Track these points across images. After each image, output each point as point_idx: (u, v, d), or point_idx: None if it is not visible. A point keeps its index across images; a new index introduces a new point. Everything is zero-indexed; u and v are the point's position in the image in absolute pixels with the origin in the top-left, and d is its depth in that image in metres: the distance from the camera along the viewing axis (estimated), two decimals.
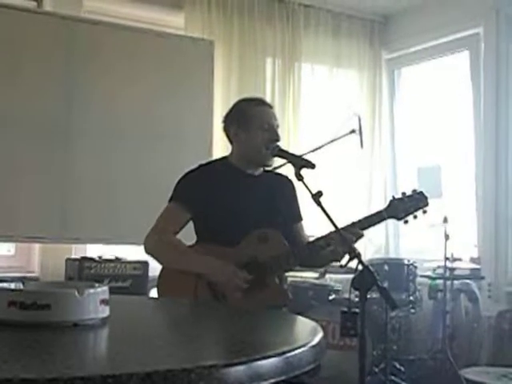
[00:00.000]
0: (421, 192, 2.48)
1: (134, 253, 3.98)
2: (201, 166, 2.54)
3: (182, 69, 4.17)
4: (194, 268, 2.32)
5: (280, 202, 2.54)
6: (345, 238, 2.17)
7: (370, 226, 2.41)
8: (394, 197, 2.47)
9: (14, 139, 3.69)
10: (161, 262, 2.44)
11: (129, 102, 3.99)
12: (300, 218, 2.64)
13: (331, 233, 2.32)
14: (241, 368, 0.97)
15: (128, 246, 4.02)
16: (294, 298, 3.91)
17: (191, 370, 0.91)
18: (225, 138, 2.64)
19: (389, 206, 2.44)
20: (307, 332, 1.34)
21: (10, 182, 3.68)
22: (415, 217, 2.45)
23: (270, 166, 2.53)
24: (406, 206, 2.43)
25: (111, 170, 3.95)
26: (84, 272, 3.71)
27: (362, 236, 2.34)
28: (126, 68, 4.01)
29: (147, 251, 2.42)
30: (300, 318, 1.55)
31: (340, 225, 2.14)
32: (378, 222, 2.44)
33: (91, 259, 3.82)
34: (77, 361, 1.03)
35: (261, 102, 2.57)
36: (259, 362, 1.00)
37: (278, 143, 2.45)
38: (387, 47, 5.29)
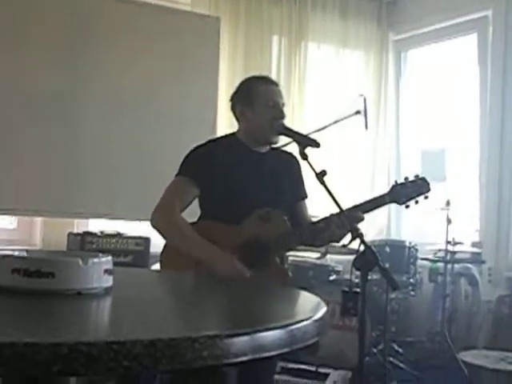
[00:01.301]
0: (423, 178, 2.49)
1: (136, 228, 3.99)
2: (209, 141, 2.53)
3: (187, 45, 4.15)
4: (196, 254, 2.31)
5: (285, 180, 2.54)
6: (344, 222, 2.19)
7: (371, 209, 2.42)
8: (396, 182, 2.49)
9: (16, 114, 3.68)
10: (165, 239, 2.44)
11: (133, 78, 3.97)
12: (304, 197, 2.64)
13: (332, 215, 2.33)
14: (244, 338, 0.97)
15: (130, 222, 4.03)
16: (295, 277, 3.91)
17: (195, 339, 0.91)
18: (229, 114, 2.63)
19: (391, 190, 2.46)
20: (311, 306, 1.35)
21: (13, 155, 3.67)
22: (416, 202, 2.47)
23: (276, 143, 2.53)
24: (407, 191, 2.45)
25: (114, 146, 3.94)
26: (86, 246, 3.71)
27: (362, 219, 2.35)
28: (131, 43, 3.98)
29: (153, 226, 2.41)
30: (304, 293, 1.55)
31: (343, 205, 2.13)
32: (380, 206, 2.45)
33: (93, 234, 3.82)
34: (81, 327, 1.03)
35: (267, 80, 2.56)
36: (263, 334, 1.00)
37: (283, 121, 2.45)
38: (395, 28, 5.25)
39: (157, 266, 2.54)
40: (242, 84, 2.58)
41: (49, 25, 3.77)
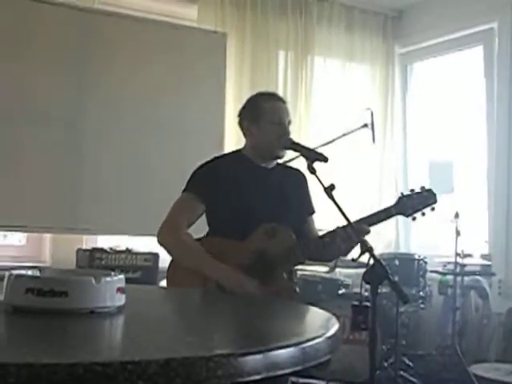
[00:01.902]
0: (429, 189, 2.48)
1: (145, 244, 3.99)
2: (216, 158, 2.55)
3: (194, 61, 4.17)
4: (205, 272, 2.31)
5: (292, 195, 2.54)
6: (349, 235, 2.19)
7: (377, 222, 2.41)
8: (402, 193, 2.48)
9: (25, 130, 3.70)
10: (172, 256, 2.45)
11: (141, 94, 3.99)
12: (311, 212, 2.64)
13: (337, 228, 2.32)
14: (258, 357, 0.97)
15: (139, 238, 4.03)
16: (303, 291, 3.92)
17: (209, 358, 0.91)
18: (236, 129, 2.66)
19: (397, 202, 2.45)
20: (323, 323, 1.35)
21: (22, 172, 3.69)
22: (423, 214, 2.46)
23: (282, 157, 2.54)
24: (414, 203, 2.44)
25: (122, 162, 3.96)
26: (95, 263, 3.72)
27: (368, 232, 2.34)
28: (138, 60, 4.01)
29: (160, 242, 2.42)
30: (315, 309, 1.55)
31: (352, 219, 2.13)
32: (386, 219, 2.45)
33: (102, 250, 3.83)
34: (95, 347, 1.03)
35: (273, 97, 2.58)
36: (276, 352, 1.00)
37: (290, 136, 2.46)
38: (400, 41, 5.26)
39: (165, 282, 2.54)
40: (249, 100, 2.60)
41: (59, 41, 3.80)
